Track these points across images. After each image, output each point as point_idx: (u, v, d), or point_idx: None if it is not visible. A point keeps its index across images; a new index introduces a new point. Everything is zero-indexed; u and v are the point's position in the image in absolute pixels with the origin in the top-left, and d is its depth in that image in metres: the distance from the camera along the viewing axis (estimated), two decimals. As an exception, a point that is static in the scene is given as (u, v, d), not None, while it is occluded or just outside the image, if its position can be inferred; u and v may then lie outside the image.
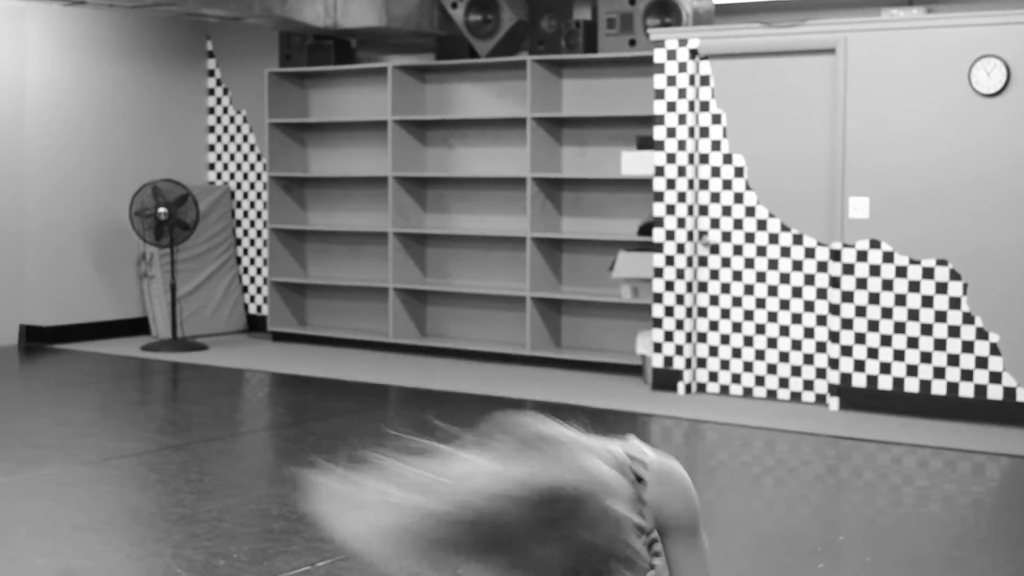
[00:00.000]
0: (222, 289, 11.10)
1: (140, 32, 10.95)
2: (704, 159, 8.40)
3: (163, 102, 11.18)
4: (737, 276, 8.34)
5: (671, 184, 8.45)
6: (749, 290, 8.30)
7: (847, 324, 7.92)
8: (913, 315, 7.74)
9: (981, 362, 7.56)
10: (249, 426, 7.84)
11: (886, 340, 7.82)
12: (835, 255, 7.95)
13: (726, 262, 8.36)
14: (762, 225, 8.22)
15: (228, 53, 11.34)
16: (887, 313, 7.81)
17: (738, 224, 8.31)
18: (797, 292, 8.15)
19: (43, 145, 10.40)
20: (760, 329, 8.26)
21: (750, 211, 8.26)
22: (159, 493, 6.03)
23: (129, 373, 9.47)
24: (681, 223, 8.44)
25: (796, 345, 8.17)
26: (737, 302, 8.35)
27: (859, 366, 7.90)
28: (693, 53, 8.35)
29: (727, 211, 8.33)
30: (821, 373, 8.10)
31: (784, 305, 8.19)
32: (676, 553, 2.21)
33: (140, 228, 10.33)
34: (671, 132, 8.43)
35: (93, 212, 10.71)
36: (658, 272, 8.57)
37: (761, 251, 8.23)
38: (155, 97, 11.12)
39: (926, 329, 7.70)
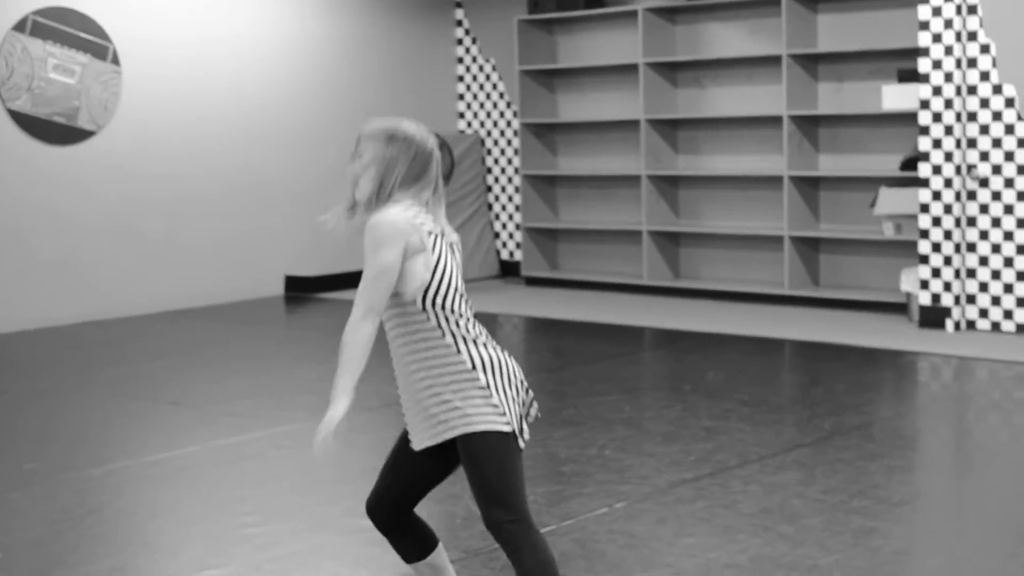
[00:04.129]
0: (475, 235, 11.28)
1: (389, -15, 11.18)
2: (972, 90, 8.14)
3: (413, 53, 11.37)
4: (1008, 210, 8.08)
5: (937, 117, 8.23)
6: (1022, 224, 8.04)
7: None
8: None
9: None
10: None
11: None
12: (1116, 185, 7.64)
13: (996, 195, 8.12)
14: (1035, 156, 7.95)
15: (476, 2, 11.45)
16: None
17: (1009, 156, 8.05)
18: (1074, 225, 7.86)
19: (301, 101, 10.71)
20: (1035, 264, 8.00)
21: (1022, 142, 7.99)
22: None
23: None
24: (948, 157, 8.22)
25: (1074, 280, 7.89)
26: (1009, 236, 8.10)
27: None
28: (958, -19, 8.10)
29: (997, 143, 8.08)
30: (1101, 308, 7.81)
31: (1060, 239, 7.91)
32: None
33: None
34: (936, 64, 8.20)
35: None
36: (924, 207, 8.38)
37: (1034, 183, 7.96)
38: (405, 48, 11.32)
39: None
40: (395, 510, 3.57)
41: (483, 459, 3.29)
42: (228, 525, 4.87)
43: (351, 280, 10.91)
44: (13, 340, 8.91)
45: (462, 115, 11.67)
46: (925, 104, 8.27)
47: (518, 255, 11.28)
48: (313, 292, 10.70)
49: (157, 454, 5.81)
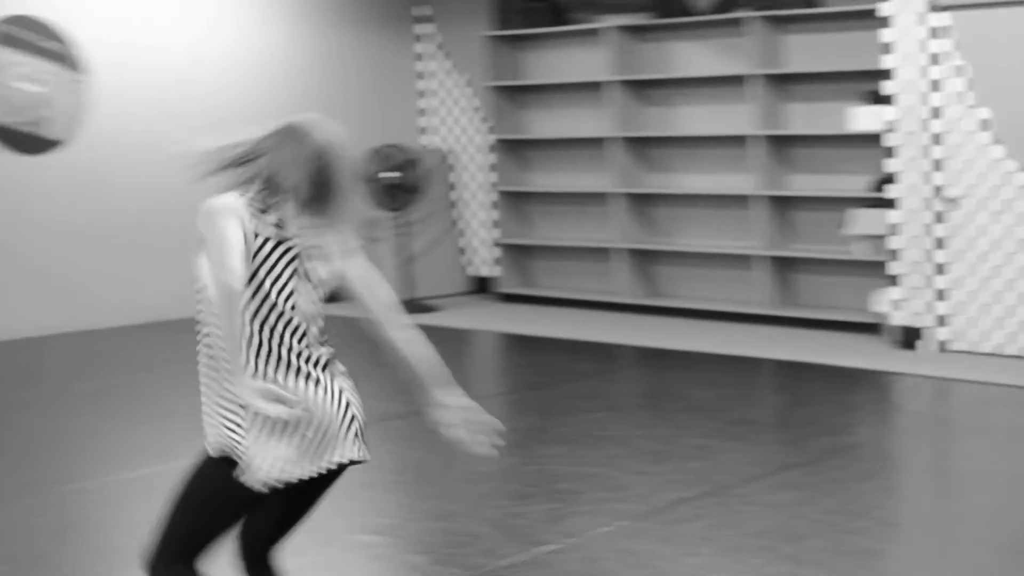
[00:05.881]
0: (445, 252, 11.27)
1: None
2: (936, 113, 8.24)
3: (375, 68, 11.33)
4: (982, 231, 8.18)
5: (906, 138, 8.32)
6: (995, 245, 8.14)
7: (1102, 279, 7.72)
8: None
9: None
10: (503, 387, 7.98)
11: None
12: (1089, 209, 7.75)
13: (969, 217, 8.21)
14: (1008, 178, 8.04)
15: (448, 18, 11.44)
16: None
17: (982, 177, 8.15)
18: (1048, 247, 7.96)
19: (268, 114, 10.63)
20: (1010, 285, 8.09)
21: (995, 164, 8.09)
22: (436, 453, 6.15)
23: (364, 336, 9.65)
24: (924, 178, 8.31)
25: (1047, 301, 7.99)
26: (984, 257, 8.19)
27: (1116, 322, 7.70)
28: (932, 5, 8.20)
29: (969, 164, 8.17)
30: (1074, 329, 7.91)
31: (1034, 260, 8.01)
32: None
33: (368, 193, 10.53)
34: (907, 85, 8.30)
35: (321, 178, 10.95)
36: (895, 228, 8.46)
37: (1007, 204, 8.06)
38: (367, 63, 11.28)
39: None
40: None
41: None
42: (232, 538, 4.83)
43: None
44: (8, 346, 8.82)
45: (424, 131, 11.61)
46: (891, 126, 8.37)
47: (494, 271, 11.26)
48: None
49: (155, 466, 5.76)
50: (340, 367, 3.22)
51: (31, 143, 9.39)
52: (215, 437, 3.13)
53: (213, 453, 3.15)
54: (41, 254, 9.40)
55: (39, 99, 9.43)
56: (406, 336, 3.27)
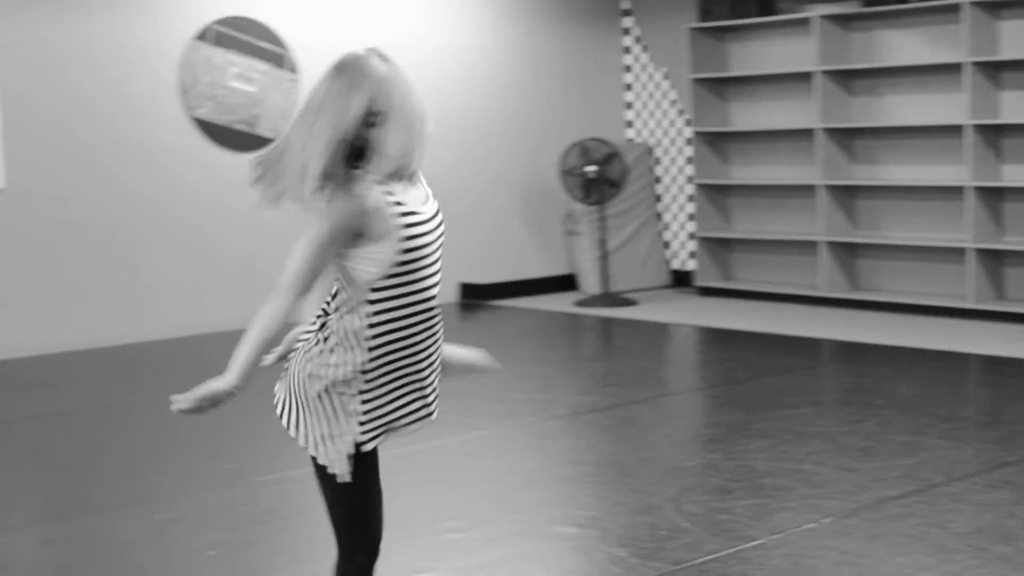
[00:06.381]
0: (646, 245, 11.24)
1: (561, -6, 11.22)
2: None
3: (580, 62, 11.38)
4: None
5: None
6: None
7: None
8: None
9: None
10: (703, 381, 7.92)
11: None
12: None
13: None
14: None
15: (647, 11, 11.41)
16: None
17: None
18: None
19: (474, 111, 10.77)
20: None
21: None
22: (637, 446, 6.17)
23: (565, 328, 9.74)
24: None
25: None
26: None
27: None
28: None
29: None
30: None
31: None
32: None
33: (570, 186, 10.59)
34: None
35: (522, 173, 11.06)
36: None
37: None
38: (572, 58, 11.33)
39: None
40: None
41: None
42: (433, 530, 4.90)
43: (525, 288, 10.96)
44: (211, 339, 9.11)
45: (630, 124, 11.62)
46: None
47: (691, 265, 11.19)
48: (487, 299, 10.74)
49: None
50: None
51: (244, 141, 9.67)
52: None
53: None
54: (243, 249, 9.65)
55: (252, 98, 9.70)
56: None
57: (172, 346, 9.11)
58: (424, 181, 3.09)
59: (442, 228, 3.09)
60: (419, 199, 3.03)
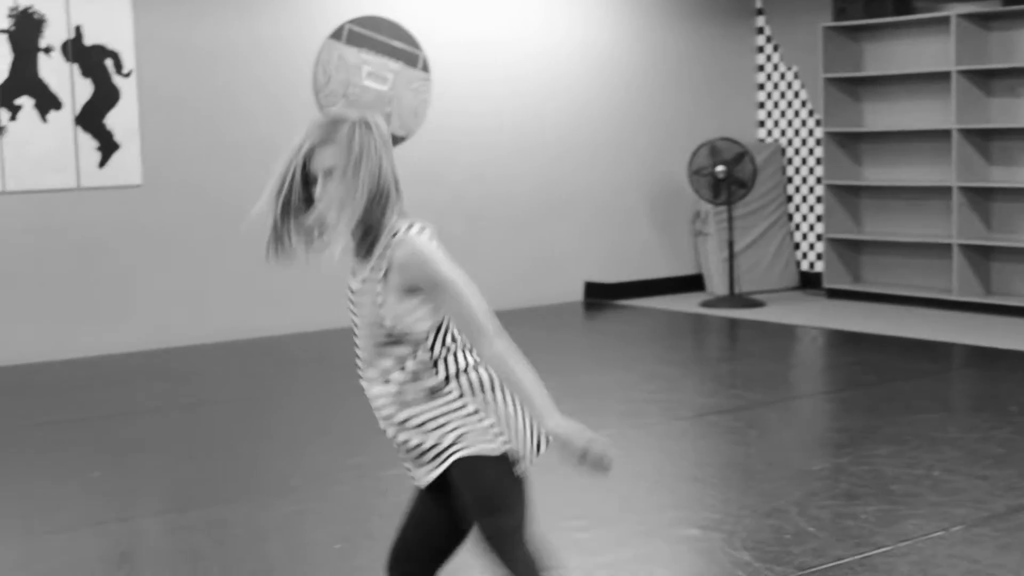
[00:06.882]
0: (775, 246, 11.14)
1: (692, -7, 11.17)
2: None
3: (711, 61, 11.32)
4: None
5: None
6: None
7: None
8: None
9: None
10: (830, 385, 7.83)
11: None
12: None
13: None
14: None
15: (779, 9, 11.31)
16: None
17: None
18: None
19: (603, 109, 10.77)
20: None
21: None
22: (762, 449, 6.13)
23: (690, 329, 9.70)
24: None
25: None
26: None
27: None
28: None
29: None
30: None
31: None
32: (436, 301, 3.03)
33: (698, 186, 10.54)
34: None
35: (650, 172, 11.03)
36: None
37: None
38: (704, 56, 11.28)
39: None
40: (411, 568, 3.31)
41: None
42: (559, 528, 4.92)
43: (651, 287, 10.93)
44: (331, 336, 9.24)
45: (762, 123, 11.54)
46: None
47: (819, 266, 11.07)
48: (612, 299, 10.74)
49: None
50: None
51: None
52: None
53: None
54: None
55: (383, 96, 9.82)
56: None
57: (307, 340, 9.25)
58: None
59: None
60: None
